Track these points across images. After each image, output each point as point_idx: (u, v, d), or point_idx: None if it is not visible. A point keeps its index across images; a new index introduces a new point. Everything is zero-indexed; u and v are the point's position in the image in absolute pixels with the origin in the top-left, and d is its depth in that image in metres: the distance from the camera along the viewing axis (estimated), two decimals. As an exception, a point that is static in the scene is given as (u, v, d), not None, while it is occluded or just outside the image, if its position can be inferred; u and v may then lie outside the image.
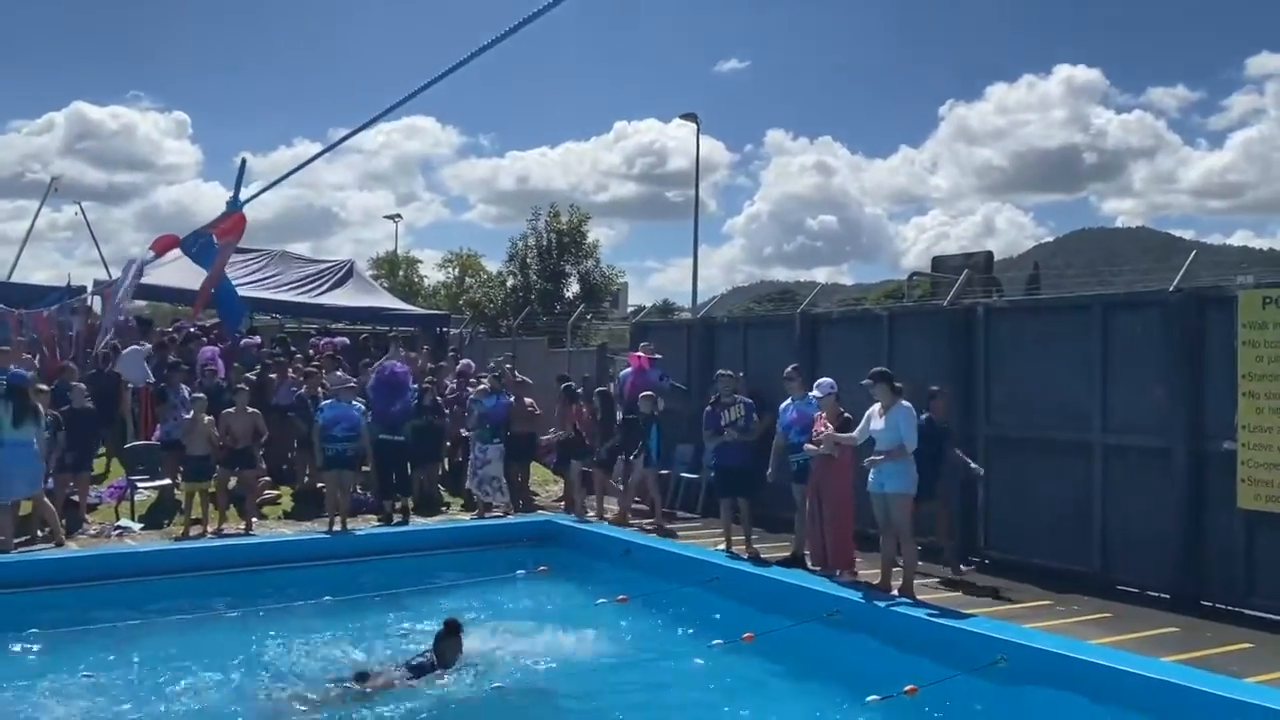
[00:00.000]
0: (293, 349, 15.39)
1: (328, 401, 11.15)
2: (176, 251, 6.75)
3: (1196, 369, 8.43)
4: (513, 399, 12.58)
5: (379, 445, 11.45)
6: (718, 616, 8.32)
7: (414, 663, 6.64)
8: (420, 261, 48.06)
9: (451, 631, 6.76)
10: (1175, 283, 8.76)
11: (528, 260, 39.93)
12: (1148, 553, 8.63)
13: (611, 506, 12.12)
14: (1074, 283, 13.87)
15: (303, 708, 6.23)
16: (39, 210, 22.98)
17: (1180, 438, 8.44)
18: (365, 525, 11.18)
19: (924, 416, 8.82)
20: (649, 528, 11.40)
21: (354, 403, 11.00)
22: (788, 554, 9.58)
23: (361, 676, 6.41)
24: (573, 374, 14.50)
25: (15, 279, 18.86)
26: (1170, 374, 8.56)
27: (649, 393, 12.09)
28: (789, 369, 9.92)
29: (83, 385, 10.92)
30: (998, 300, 11.12)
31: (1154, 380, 8.69)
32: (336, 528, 10.68)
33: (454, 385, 13.98)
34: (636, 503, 12.57)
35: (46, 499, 9.89)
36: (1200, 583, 8.32)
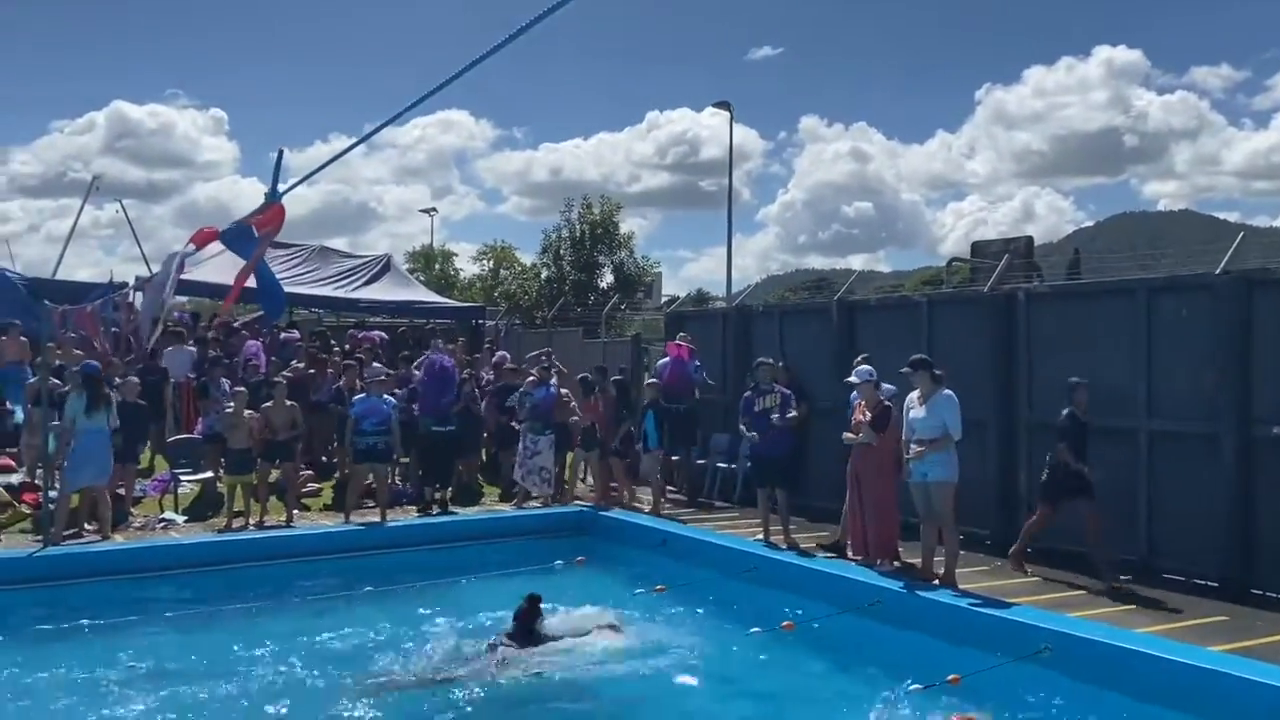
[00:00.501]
0: (332, 343, 15.55)
1: (359, 395, 11.25)
2: (217, 245, 6.78)
3: (1245, 353, 8.25)
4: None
5: (430, 437, 11.58)
6: (756, 606, 8.29)
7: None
8: (455, 255, 48.29)
9: (534, 604, 7.21)
10: (1222, 265, 8.59)
11: (561, 252, 40.00)
12: (1195, 540, 8.48)
13: (646, 496, 12.14)
14: (1116, 267, 13.62)
15: (363, 694, 6.30)
16: (81, 208, 23.36)
17: (1228, 423, 8.28)
18: (405, 516, 11.27)
19: (1066, 411, 8.44)
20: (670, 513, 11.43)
21: (384, 396, 11.08)
22: (832, 540, 9.50)
23: (534, 597, 7.22)
24: (608, 364, 14.50)
25: (59, 276, 19.17)
26: (1218, 358, 8.39)
27: (652, 380, 12.45)
28: (857, 360, 9.78)
29: (135, 379, 11.09)
30: (1039, 285, 10.95)
31: (1200, 365, 8.52)
32: (374, 519, 10.77)
33: (490, 377, 14.03)
34: (672, 491, 12.60)
35: (106, 492, 10.05)
36: (1250, 570, 8.16)
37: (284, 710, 6.09)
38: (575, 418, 12.25)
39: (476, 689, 6.41)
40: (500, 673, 6.65)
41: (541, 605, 7.28)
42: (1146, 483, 8.86)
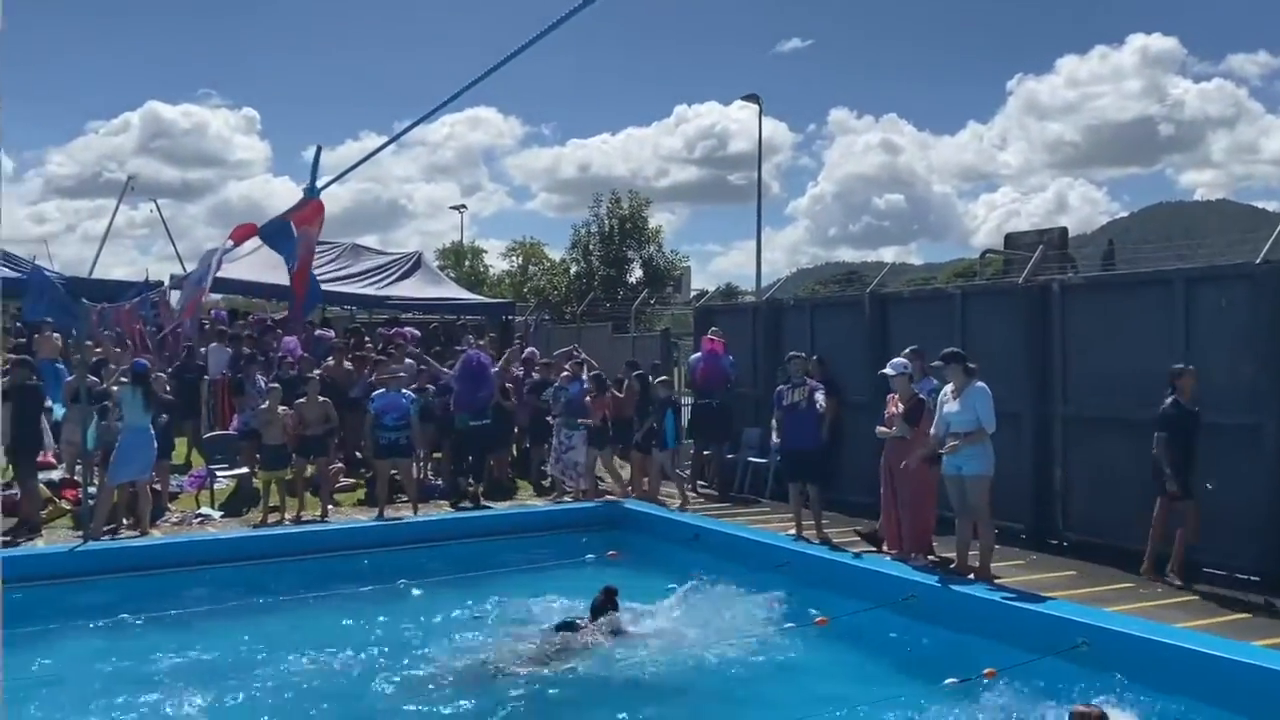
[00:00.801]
0: (366, 339, 15.68)
1: (378, 391, 11.33)
2: (254, 242, 6.86)
3: (1286, 343, 8.12)
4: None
5: (466, 431, 11.65)
6: (789, 601, 8.26)
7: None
8: (485, 251, 48.66)
9: (610, 596, 7.32)
10: (1262, 255, 8.45)
11: (590, 247, 40.09)
12: (1236, 534, 8.34)
13: (671, 489, 12.15)
14: (1151, 258, 13.44)
15: (410, 686, 6.34)
16: (117, 208, 23.81)
17: (1271, 414, 8.15)
18: (437, 511, 11.34)
19: (1170, 399, 8.11)
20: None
21: (403, 391, 11.16)
22: (870, 530, 9.44)
23: (567, 626, 7.09)
24: (639, 359, 14.53)
25: (95, 275, 19.48)
26: (1258, 349, 8.26)
27: (665, 377, 12.67)
28: (906, 352, 9.68)
29: (164, 376, 11.24)
30: (1074, 277, 10.84)
31: (1240, 356, 8.39)
32: (406, 513, 10.84)
33: (520, 373, 14.09)
34: (704, 486, 12.56)
35: (147, 487, 10.20)
36: (1292, 565, 8.04)
37: (324, 703, 6.14)
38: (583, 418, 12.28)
39: (528, 680, 6.44)
40: (544, 666, 6.66)
41: (617, 598, 7.34)
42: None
